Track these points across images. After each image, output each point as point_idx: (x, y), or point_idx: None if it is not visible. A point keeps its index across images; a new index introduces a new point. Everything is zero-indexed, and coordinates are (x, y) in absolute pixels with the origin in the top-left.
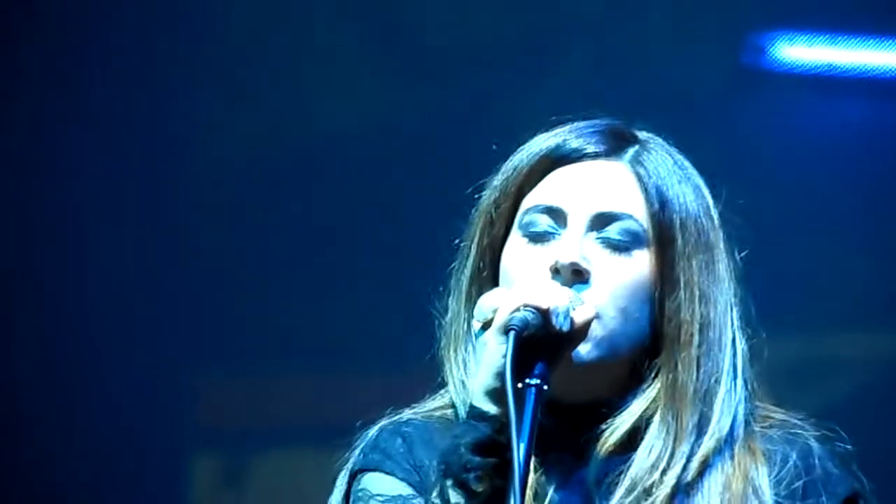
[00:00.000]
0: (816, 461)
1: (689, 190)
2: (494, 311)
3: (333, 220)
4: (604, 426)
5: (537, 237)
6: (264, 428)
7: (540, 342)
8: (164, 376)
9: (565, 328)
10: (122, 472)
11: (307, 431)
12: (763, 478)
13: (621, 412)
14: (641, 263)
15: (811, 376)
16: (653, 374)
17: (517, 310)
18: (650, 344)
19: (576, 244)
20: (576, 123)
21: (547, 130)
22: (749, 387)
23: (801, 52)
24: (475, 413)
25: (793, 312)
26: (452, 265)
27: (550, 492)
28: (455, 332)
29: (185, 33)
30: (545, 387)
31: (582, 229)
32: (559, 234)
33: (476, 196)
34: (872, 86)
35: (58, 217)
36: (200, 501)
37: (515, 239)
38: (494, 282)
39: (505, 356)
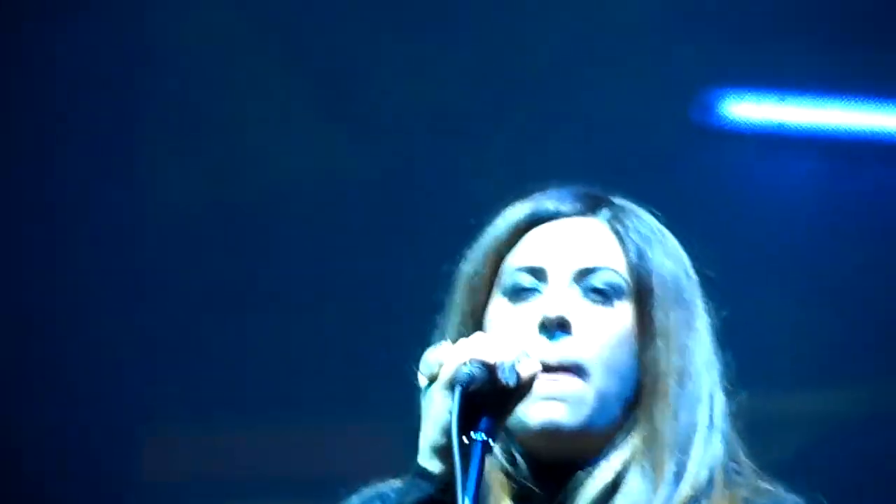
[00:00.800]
0: None
1: (666, 248)
2: (440, 366)
3: (283, 269)
4: (584, 480)
5: (519, 296)
6: (210, 483)
7: (486, 396)
8: (108, 430)
9: (511, 382)
10: None
11: (253, 486)
12: None
13: (601, 465)
14: (623, 315)
15: (761, 432)
16: (631, 426)
17: (463, 364)
18: (633, 398)
19: (560, 298)
20: (550, 190)
21: (522, 200)
22: (726, 441)
23: (749, 109)
24: (419, 471)
25: (743, 368)
26: (433, 336)
27: None
28: None
29: (131, 81)
30: (491, 441)
31: (564, 283)
32: (541, 291)
33: (451, 272)
34: (821, 145)
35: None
36: None
37: (498, 301)
38: None
39: (451, 411)
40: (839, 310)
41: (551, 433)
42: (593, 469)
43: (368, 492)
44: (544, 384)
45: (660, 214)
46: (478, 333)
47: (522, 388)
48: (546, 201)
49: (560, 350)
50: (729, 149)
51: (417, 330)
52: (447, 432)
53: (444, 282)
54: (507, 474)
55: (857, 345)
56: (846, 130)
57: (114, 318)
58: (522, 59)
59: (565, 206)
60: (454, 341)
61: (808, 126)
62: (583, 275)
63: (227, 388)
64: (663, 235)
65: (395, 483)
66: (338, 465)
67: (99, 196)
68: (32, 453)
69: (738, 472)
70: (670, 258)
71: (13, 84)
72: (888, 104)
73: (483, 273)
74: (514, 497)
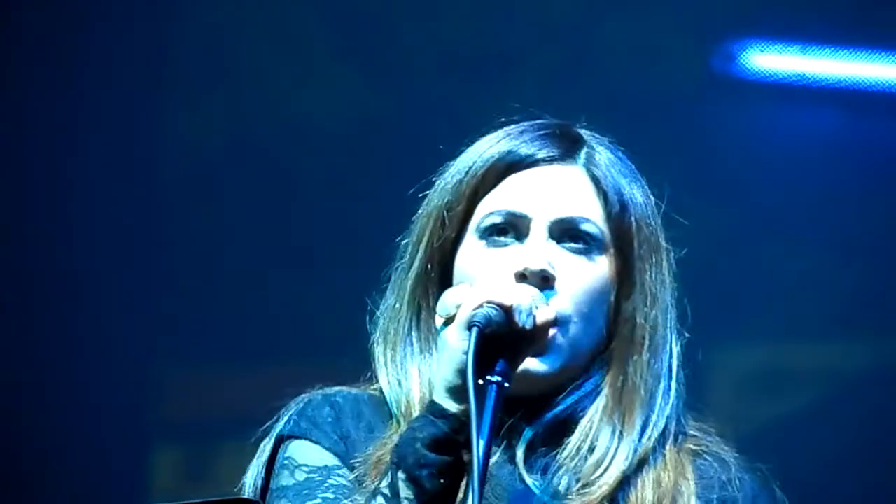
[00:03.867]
0: (736, 479)
1: (639, 191)
2: (457, 307)
3: (301, 212)
4: (541, 414)
5: (496, 241)
6: (226, 420)
7: (502, 340)
8: (127, 368)
9: (528, 326)
10: (84, 464)
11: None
12: (690, 483)
13: (560, 403)
14: (602, 266)
15: (769, 386)
16: (599, 370)
17: (480, 306)
18: (603, 343)
19: (541, 251)
20: (522, 124)
21: (494, 130)
22: (681, 388)
23: (771, 60)
24: (434, 409)
25: (755, 321)
26: (395, 264)
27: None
28: (394, 331)
29: (155, 22)
30: (506, 384)
31: (544, 235)
32: (521, 240)
33: (421, 195)
34: (841, 96)
35: (24, 205)
36: (162, 493)
37: (472, 242)
38: (441, 283)
39: (467, 352)
40: (859, 261)
41: (523, 378)
42: (552, 407)
43: (318, 396)
44: None
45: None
46: (497, 277)
47: (538, 333)
48: (522, 144)
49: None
50: (750, 99)
51: None
52: (462, 373)
53: (414, 205)
54: None
55: (874, 297)
56: (868, 82)
57: (133, 256)
58: (540, 1)
59: (543, 152)
60: (417, 276)
61: (830, 78)
62: (562, 225)
63: (243, 326)
64: (634, 175)
65: (345, 390)
66: None
67: (121, 135)
68: (51, 389)
69: (681, 422)
70: (643, 202)
71: (39, 22)
72: None
73: (457, 208)
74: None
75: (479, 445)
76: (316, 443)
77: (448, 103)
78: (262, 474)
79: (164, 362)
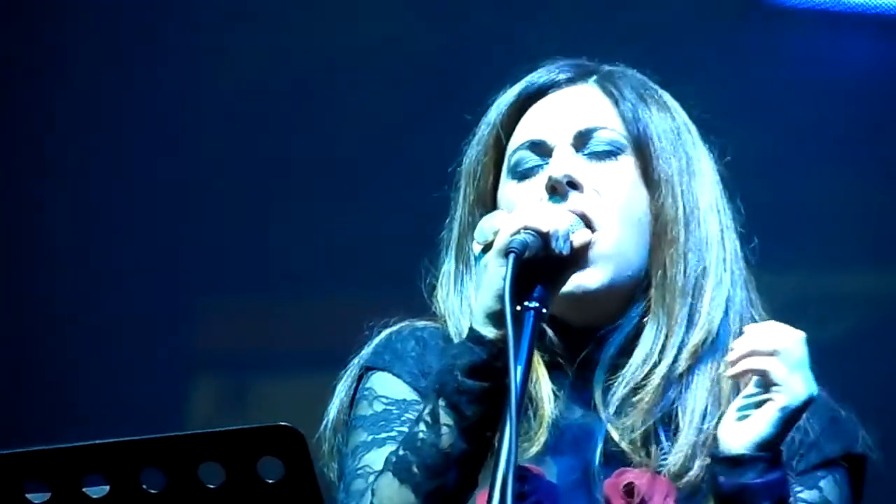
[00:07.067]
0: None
1: (659, 104)
2: (495, 234)
3: (338, 144)
4: (608, 335)
5: (525, 174)
6: (265, 351)
7: (540, 265)
8: (166, 299)
9: (565, 251)
10: (123, 395)
11: (307, 355)
12: None
13: (623, 322)
14: (627, 167)
15: (809, 312)
16: (648, 278)
17: (517, 232)
18: (651, 250)
19: (564, 161)
20: (540, 68)
21: (513, 84)
22: (741, 284)
23: None
24: (473, 336)
25: (793, 247)
26: (442, 233)
27: (558, 408)
28: (450, 288)
29: None
30: (544, 310)
31: (567, 150)
32: (547, 163)
33: (457, 166)
34: (878, 22)
35: (60, 135)
36: (200, 424)
37: (506, 183)
38: None
39: (504, 278)
40: (892, 190)
41: (578, 297)
42: (617, 324)
43: (406, 329)
44: None
45: (654, 77)
46: (533, 203)
47: (576, 257)
48: (537, 77)
49: (570, 204)
50: (786, 25)
51: None
52: (500, 299)
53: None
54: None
55: None
56: None
57: (173, 185)
58: None
59: (556, 77)
60: (462, 229)
61: (867, 3)
62: (583, 137)
63: (278, 261)
64: (656, 92)
65: (431, 325)
66: None
67: (164, 69)
68: (89, 318)
69: (753, 319)
70: (664, 113)
71: None
72: None
73: (485, 159)
74: (546, 365)
75: (516, 371)
76: (397, 376)
77: (487, 37)
78: (346, 403)
79: (206, 291)
